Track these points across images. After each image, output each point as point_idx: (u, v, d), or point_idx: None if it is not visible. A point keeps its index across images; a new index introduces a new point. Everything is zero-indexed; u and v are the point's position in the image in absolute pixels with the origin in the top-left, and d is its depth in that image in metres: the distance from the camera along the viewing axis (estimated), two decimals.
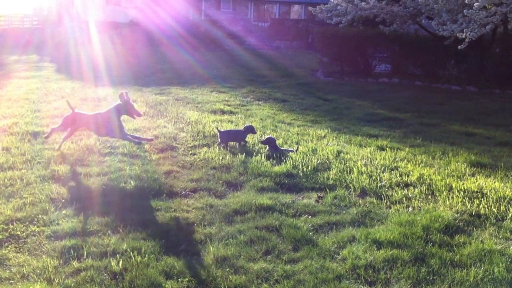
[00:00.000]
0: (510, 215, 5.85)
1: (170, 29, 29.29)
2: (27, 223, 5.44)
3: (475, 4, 15.09)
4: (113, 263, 4.59)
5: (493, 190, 6.59)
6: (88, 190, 6.34)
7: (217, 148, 8.35)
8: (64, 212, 5.74)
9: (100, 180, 6.74)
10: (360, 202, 6.27)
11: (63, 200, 6.03)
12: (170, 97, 13.76)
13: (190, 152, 8.23)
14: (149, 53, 25.06)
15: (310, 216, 5.79)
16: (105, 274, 4.46)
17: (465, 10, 15.58)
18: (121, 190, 6.40)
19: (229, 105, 12.89)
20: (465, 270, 4.58)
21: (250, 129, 8.68)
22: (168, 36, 28.65)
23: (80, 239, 5.09)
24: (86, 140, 8.59)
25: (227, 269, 4.55)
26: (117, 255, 4.73)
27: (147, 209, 5.88)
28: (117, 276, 4.43)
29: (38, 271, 4.49)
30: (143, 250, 4.81)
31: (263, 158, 7.86)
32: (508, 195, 6.42)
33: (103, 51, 23.04)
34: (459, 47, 15.71)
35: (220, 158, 7.80)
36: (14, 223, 5.42)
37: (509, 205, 6.12)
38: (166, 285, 4.29)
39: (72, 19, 33.99)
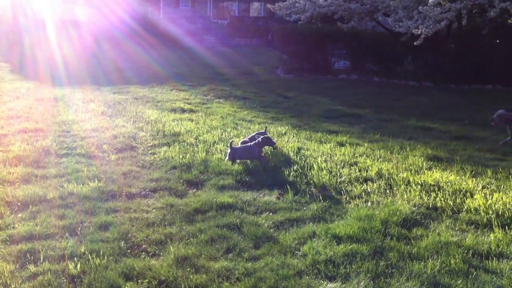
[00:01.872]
0: (465, 207, 5.99)
1: (128, 27, 28.92)
2: None
3: (430, 1, 15.39)
4: (71, 266, 4.50)
5: (449, 183, 6.74)
6: (44, 193, 6.20)
7: (178, 147, 8.29)
8: (20, 215, 5.60)
9: (57, 182, 6.61)
10: (321, 198, 6.32)
11: (18, 203, 5.88)
12: (129, 96, 13.59)
13: (150, 152, 8.15)
14: (107, 52, 24.68)
15: (271, 213, 5.81)
16: (63, 278, 4.37)
17: (420, 7, 15.87)
18: (79, 192, 6.28)
19: (189, 104, 12.81)
20: (422, 263, 4.66)
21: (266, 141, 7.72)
22: (126, 34, 28.27)
23: (37, 242, 4.97)
24: (42, 141, 8.42)
25: (188, 269, 4.52)
26: (75, 258, 4.64)
27: (105, 210, 5.78)
28: (75, 279, 4.35)
29: None
30: (101, 252, 4.73)
31: (223, 156, 7.84)
32: (463, 188, 6.57)
33: (60, 50, 22.58)
34: (414, 43, 15.99)
35: (181, 157, 7.74)
36: None
37: (464, 198, 6.27)
38: (126, 287, 4.23)
39: (27, 18, 33.12)
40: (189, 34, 32.14)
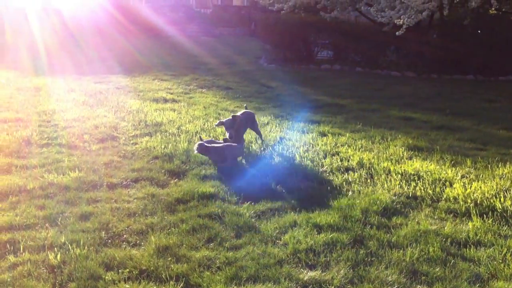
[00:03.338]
0: (445, 196, 6.06)
1: (110, 16, 28.64)
2: None
3: None
4: (51, 256, 4.48)
5: (429, 173, 6.81)
6: (25, 183, 6.15)
7: (159, 137, 8.26)
8: None
9: (38, 172, 6.56)
10: (302, 187, 6.35)
11: None
12: (111, 86, 13.49)
13: (132, 142, 8.12)
14: (89, 41, 24.45)
15: (253, 203, 5.82)
16: (43, 268, 4.35)
17: None
18: (60, 182, 6.24)
19: (171, 93, 12.76)
20: (401, 251, 4.72)
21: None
22: (107, 23, 28.00)
23: (17, 233, 4.94)
24: (22, 131, 8.34)
25: (169, 258, 4.53)
26: (55, 248, 4.62)
27: (86, 200, 5.76)
28: (55, 270, 4.33)
29: None
30: (82, 242, 4.72)
31: None
32: (443, 177, 6.64)
33: (41, 39, 22.31)
34: (396, 33, 16.05)
35: (163, 147, 7.72)
36: None
37: (444, 187, 6.34)
38: (106, 277, 4.23)
39: (7, 7, 32.65)
40: (172, 23, 31.90)
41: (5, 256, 4.54)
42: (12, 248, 4.65)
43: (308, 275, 4.30)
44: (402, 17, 15.86)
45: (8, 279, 4.19)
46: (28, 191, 5.97)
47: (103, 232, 5.00)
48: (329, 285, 4.17)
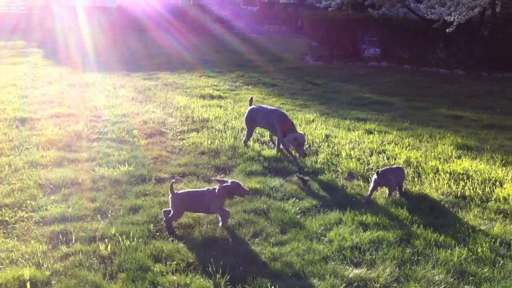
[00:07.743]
0: (494, 196, 5.93)
1: (158, 14, 29.03)
2: (16, 208, 5.47)
3: None
4: (102, 247, 4.63)
5: (478, 172, 6.67)
6: (76, 176, 6.35)
7: (206, 133, 8.37)
8: (52, 197, 5.76)
9: (89, 166, 6.76)
10: (348, 185, 6.33)
11: (51, 186, 6.05)
12: (159, 82, 13.71)
13: (179, 137, 8.25)
14: (137, 39, 24.88)
15: (298, 200, 5.85)
16: (94, 258, 4.50)
17: None
18: (110, 175, 6.41)
19: (218, 90, 12.86)
20: (449, 250, 4.66)
21: None
22: (156, 21, 28.39)
23: (69, 224, 5.12)
24: (74, 126, 8.58)
25: (215, 252, 4.60)
26: (106, 240, 4.77)
27: (135, 194, 5.90)
28: (106, 260, 4.47)
29: (27, 256, 4.53)
30: (131, 234, 4.85)
31: (252, 142, 7.89)
32: (493, 177, 6.50)
33: (91, 37, 22.84)
34: (447, 30, 15.69)
35: (209, 143, 7.82)
36: (2, 209, 5.44)
37: (494, 187, 6.20)
38: (155, 268, 4.34)
39: (59, 4, 33.52)
40: (219, 21, 32.09)
41: (58, 246, 4.72)
42: (64, 239, 4.83)
43: (353, 272, 4.30)
44: (453, 13, 15.49)
45: (61, 269, 4.36)
46: (80, 184, 6.17)
47: (152, 225, 5.12)
48: (375, 283, 4.16)
